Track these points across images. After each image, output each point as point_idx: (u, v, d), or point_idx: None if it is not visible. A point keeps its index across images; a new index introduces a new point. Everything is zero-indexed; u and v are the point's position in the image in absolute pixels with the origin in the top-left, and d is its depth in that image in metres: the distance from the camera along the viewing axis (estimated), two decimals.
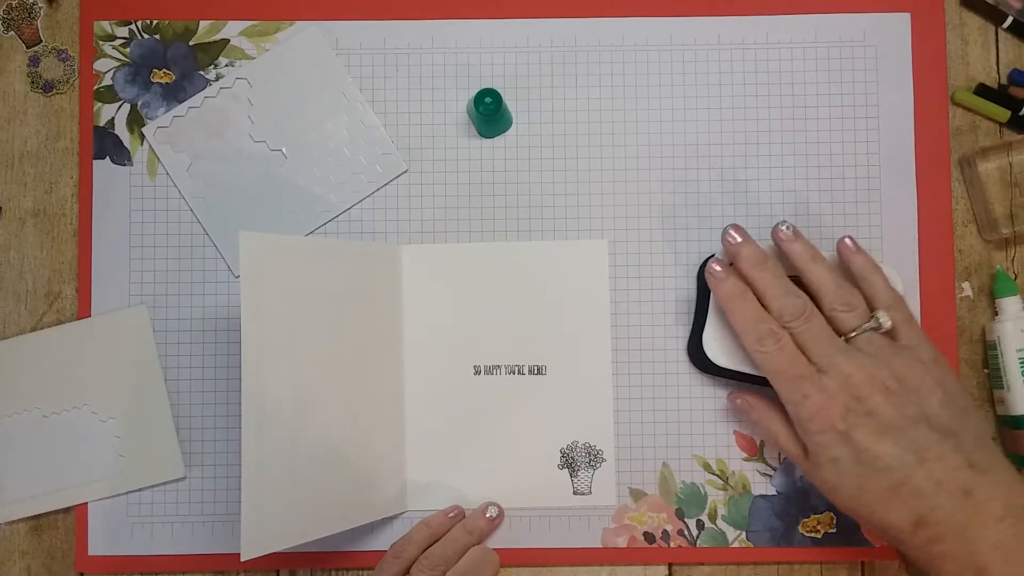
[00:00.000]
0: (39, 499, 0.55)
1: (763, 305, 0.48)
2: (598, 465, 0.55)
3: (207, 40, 0.57)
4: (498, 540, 0.55)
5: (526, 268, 0.56)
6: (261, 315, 0.48)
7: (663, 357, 0.56)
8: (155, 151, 0.56)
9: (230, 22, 0.57)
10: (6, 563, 0.55)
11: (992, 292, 0.55)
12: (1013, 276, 0.56)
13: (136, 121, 0.57)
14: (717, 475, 0.55)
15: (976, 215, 0.56)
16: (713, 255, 0.52)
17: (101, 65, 0.57)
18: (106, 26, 0.57)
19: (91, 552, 0.55)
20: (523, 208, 0.56)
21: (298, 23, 0.57)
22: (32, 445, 0.55)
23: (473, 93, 0.55)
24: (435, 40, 0.57)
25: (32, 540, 0.55)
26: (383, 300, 0.55)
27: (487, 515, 0.54)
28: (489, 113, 0.54)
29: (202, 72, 0.57)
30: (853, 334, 0.47)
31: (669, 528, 0.55)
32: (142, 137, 0.57)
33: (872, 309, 0.48)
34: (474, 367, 0.56)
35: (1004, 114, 0.56)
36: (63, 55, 0.57)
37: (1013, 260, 0.56)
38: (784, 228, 0.50)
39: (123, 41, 0.57)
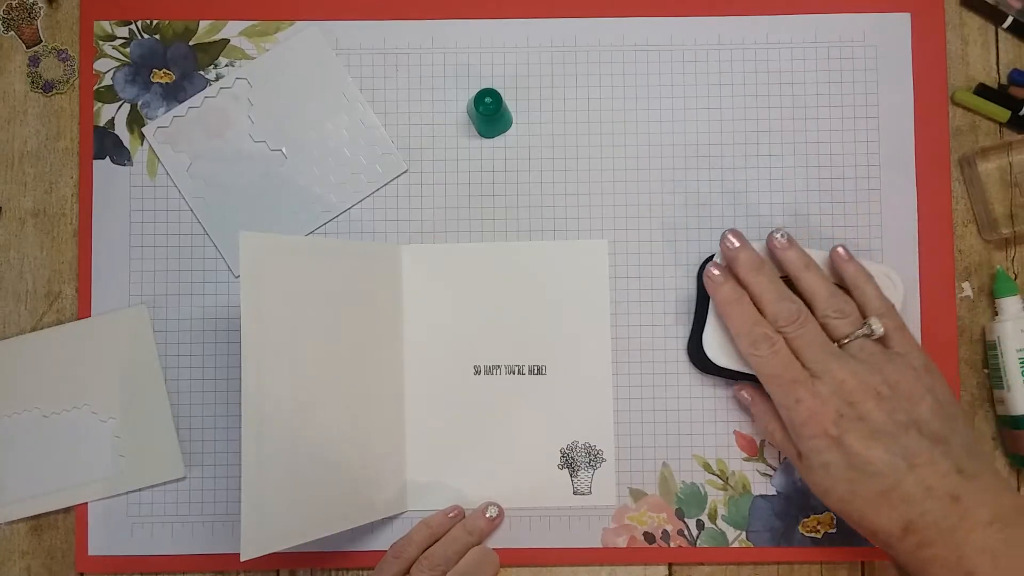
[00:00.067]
0: (39, 499, 0.55)
1: (759, 309, 0.49)
2: (598, 465, 0.55)
3: (207, 40, 0.57)
4: (498, 540, 0.55)
5: (526, 268, 0.56)
6: (261, 315, 0.48)
7: (663, 357, 0.56)
8: (155, 151, 0.56)
9: (230, 22, 0.57)
10: (6, 563, 0.55)
11: (992, 292, 0.55)
12: (1013, 276, 0.56)
13: (136, 121, 0.57)
14: (717, 475, 0.55)
15: (976, 215, 0.56)
16: (713, 256, 0.52)
17: (101, 65, 0.57)
18: (106, 26, 0.57)
19: (91, 552, 0.55)
20: (523, 208, 0.56)
21: (298, 23, 0.57)
22: (32, 445, 0.55)
23: (473, 93, 0.55)
24: (435, 40, 0.57)
25: (32, 540, 0.55)
26: (383, 300, 0.55)
27: (487, 515, 0.54)
28: (489, 113, 0.54)
29: (202, 72, 0.57)
30: (846, 340, 0.48)
31: (669, 528, 0.55)
32: (142, 137, 0.57)
33: (864, 316, 0.49)
34: (474, 367, 0.56)
35: (1004, 114, 0.56)
36: (63, 55, 0.57)
37: (1013, 260, 0.56)
38: (779, 236, 0.50)
39: (123, 41, 0.57)
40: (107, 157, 0.56)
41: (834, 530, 0.54)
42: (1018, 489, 0.55)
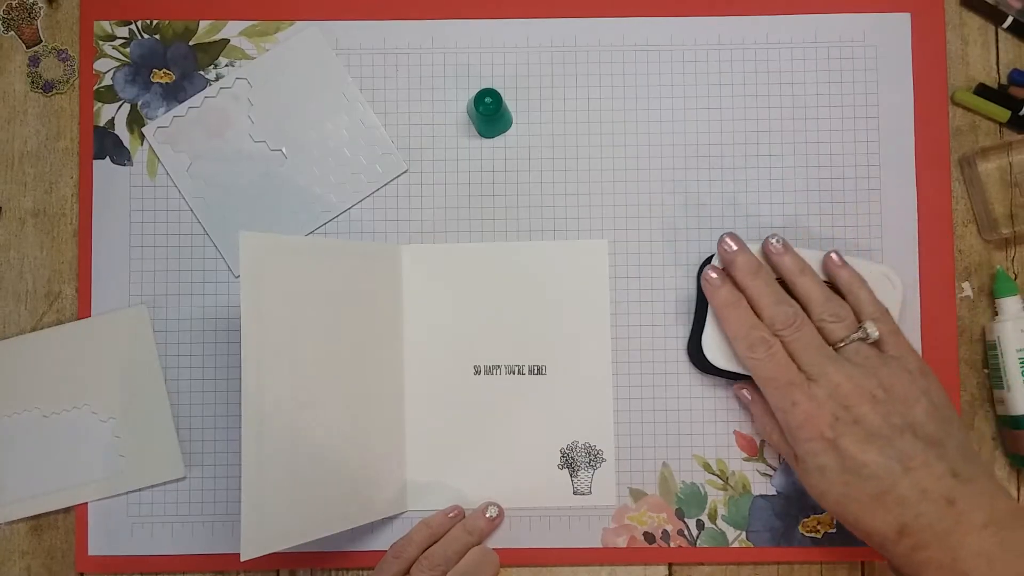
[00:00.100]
0: (39, 499, 0.55)
1: (756, 313, 0.49)
2: (598, 465, 0.55)
3: (207, 40, 0.57)
4: (498, 540, 0.55)
5: (526, 268, 0.56)
6: (261, 315, 0.48)
7: (663, 357, 0.56)
8: (155, 151, 0.56)
9: (230, 22, 0.57)
10: (6, 563, 0.55)
11: (992, 292, 0.55)
12: (1013, 276, 0.56)
13: (136, 121, 0.57)
14: (717, 475, 0.55)
15: (976, 215, 0.56)
16: (712, 256, 0.52)
17: (101, 65, 0.57)
18: (106, 26, 0.57)
19: (91, 552, 0.55)
20: (523, 208, 0.56)
21: (298, 23, 0.57)
22: (32, 445, 0.55)
23: (473, 93, 0.55)
24: (435, 40, 0.57)
25: (32, 540, 0.55)
26: (383, 300, 0.55)
27: (487, 515, 0.54)
28: (489, 113, 0.54)
29: (202, 72, 0.57)
30: (841, 344, 0.48)
31: (669, 528, 0.55)
32: (142, 137, 0.57)
33: (859, 321, 0.49)
34: (474, 367, 0.56)
35: (1004, 114, 0.56)
36: (63, 55, 0.57)
37: (1013, 260, 0.56)
38: (774, 241, 0.51)
39: (123, 41, 0.57)
40: (107, 157, 0.56)
41: (834, 530, 0.54)
42: (1019, 489, 0.55)
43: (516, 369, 0.55)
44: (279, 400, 0.49)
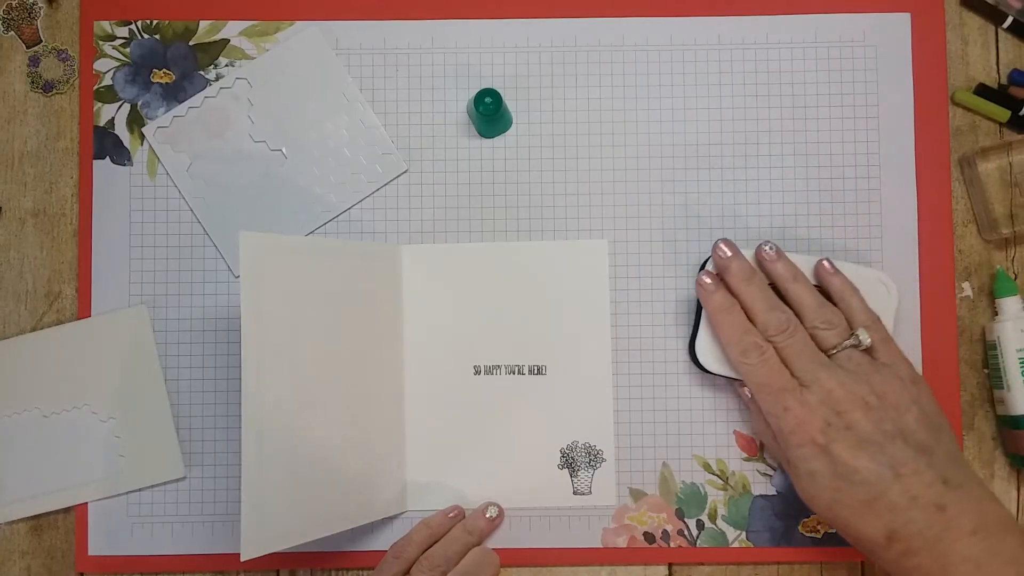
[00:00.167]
0: (39, 499, 0.55)
1: (750, 319, 0.50)
2: (598, 465, 0.55)
3: (207, 40, 0.57)
4: (498, 540, 0.55)
5: (526, 268, 0.56)
6: (261, 315, 0.48)
7: (663, 357, 0.56)
8: (155, 151, 0.56)
9: (230, 22, 0.57)
10: (6, 563, 0.55)
11: (992, 292, 0.55)
12: (1013, 276, 0.56)
13: (136, 121, 0.57)
14: (717, 475, 0.55)
15: (976, 215, 0.56)
16: (710, 258, 0.52)
17: (101, 65, 0.57)
18: (106, 26, 0.57)
19: (91, 552, 0.55)
20: (523, 208, 0.56)
21: (298, 23, 0.57)
22: (32, 445, 0.55)
23: (473, 93, 0.55)
24: (435, 40, 0.57)
25: (32, 540, 0.55)
26: (383, 300, 0.55)
27: (487, 515, 0.54)
28: (489, 113, 0.54)
29: (202, 72, 0.57)
30: (834, 351, 0.48)
31: (669, 528, 0.55)
32: (142, 137, 0.57)
33: (851, 328, 0.49)
34: (474, 367, 0.56)
35: (1004, 114, 0.56)
36: (63, 55, 0.57)
37: (1013, 260, 0.56)
38: (767, 248, 0.51)
39: (123, 41, 0.57)
40: (107, 157, 0.56)
41: (834, 530, 0.54)
42: (1019, 489, 0.55)
43: (516, 369, 0.55)
44: (279, 400, 0.49)
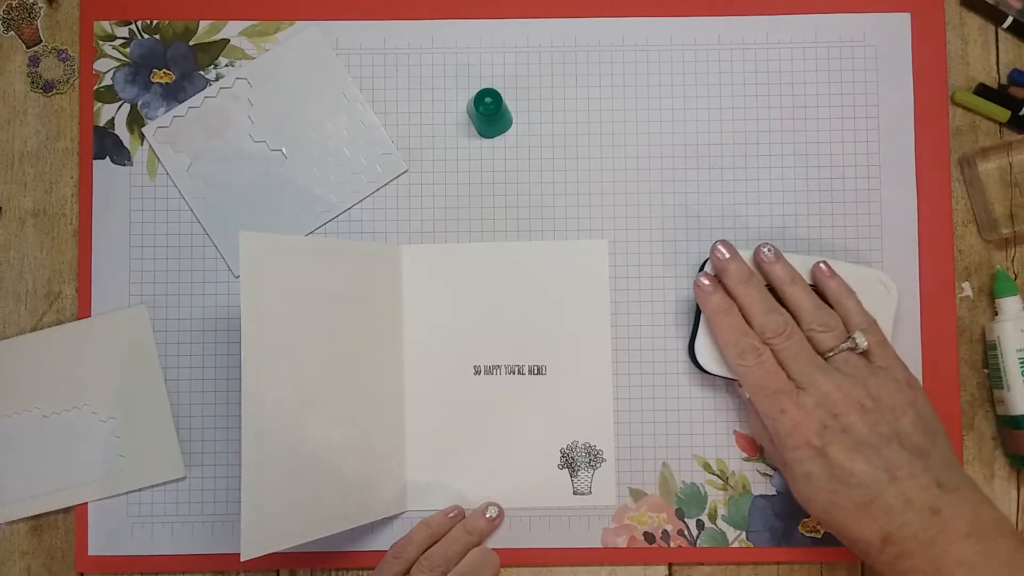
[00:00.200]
0: (39, 499, 0.55)
1: (747, 320, 0.50)
2: (598, 465, 0.55)
3: (207, 40, 0.57)
4: (498, 540, 0.55)
5: (526, 268, 0.56)
6: (261, 315, 0.48)
7: (663, 357, 0.56)
8: (155, 151, 0.56)
9: (230, 22, 0.57)
10: (6, 563, 0.55)
11: (992, 292, 0.55)
12: (1013, 276, 0.56)
13: (136, 121, 0.57)
14: (717, 475, 0.55)
15: (976, 215, 0.56)
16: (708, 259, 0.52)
17: (101, 65, 0.57)
18: (106, 26, 0.57)
19: (91, 552, 0.55)
20: (523, 208, 0.56)
21: (298, 23, 0.57)
22: (32, 445, 0.55)
23: (473, 93, 0.55)
24: (435, 40, 0.57)
25: (32, 540, 0.55)
26: (383, 300, 0.55)
27: (487, 515, 0.54)
28: (489, 113, 0.54)
29: (202, 72, 0.57)
30: (831, 354, 0.48)
31: (669, 528, 0.55)
32: (142, 137, 0.57)
33: (848, 331, 0.49)
34: (474, 367, 0.56)
35: (1004, 114, 0.56)
36: (63, 55, 0.57)
37: (1013, 260, 0.56)
38: (766, 250, 0.51)
39: (123, 41, 0.57)
40: (107, 157, 0.56)
41: None
42: (1019, 489, 0.55)
43: (516, 369, 0.55)
44: (279, 400, 0.49)
